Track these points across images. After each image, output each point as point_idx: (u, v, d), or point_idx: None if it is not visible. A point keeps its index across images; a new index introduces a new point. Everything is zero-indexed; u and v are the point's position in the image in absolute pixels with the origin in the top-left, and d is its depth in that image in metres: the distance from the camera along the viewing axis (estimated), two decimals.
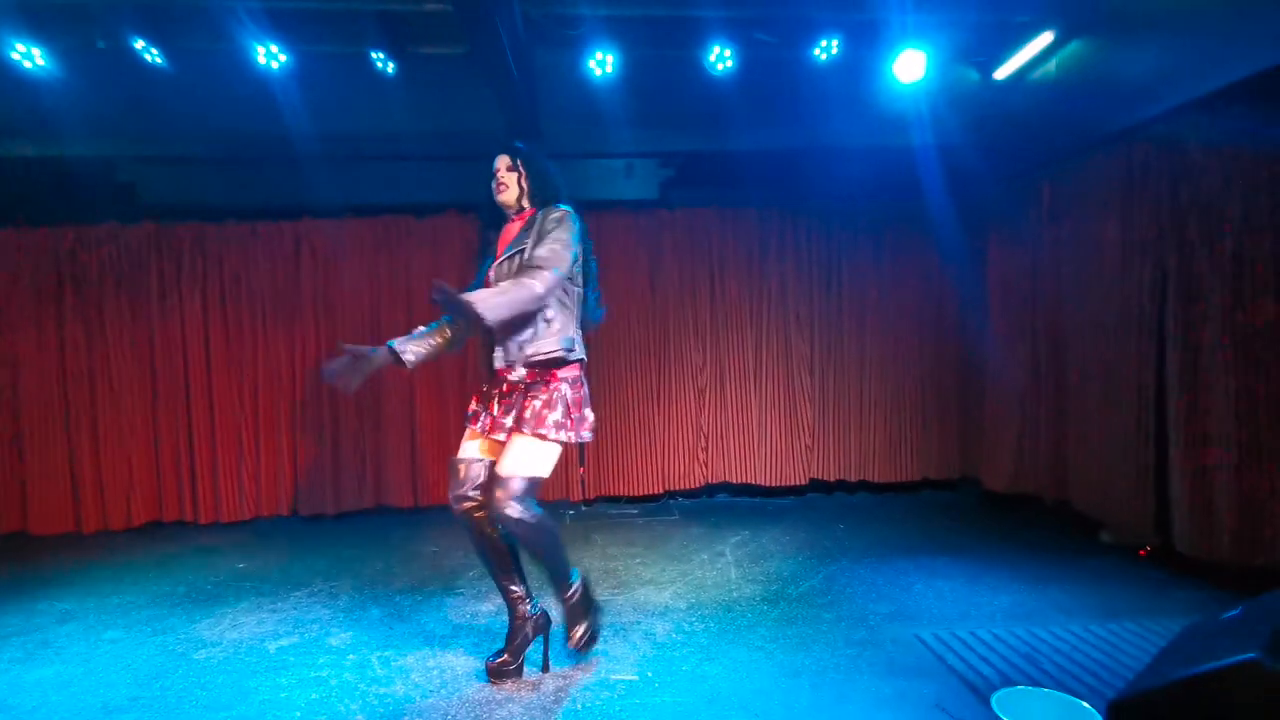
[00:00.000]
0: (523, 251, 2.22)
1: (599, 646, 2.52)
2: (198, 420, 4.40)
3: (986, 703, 2.11)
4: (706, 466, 4.75)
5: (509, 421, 2.25)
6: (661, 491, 4.73)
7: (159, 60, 3.43)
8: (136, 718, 2.17)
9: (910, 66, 3.50)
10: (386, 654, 2.55)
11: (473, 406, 2.39)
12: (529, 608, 2.35)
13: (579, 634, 2.38)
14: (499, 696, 2.22)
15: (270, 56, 3.39)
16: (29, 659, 2.60)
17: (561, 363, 2.26)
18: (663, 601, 2.99)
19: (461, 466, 2.30)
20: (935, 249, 4.73)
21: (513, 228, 2.38)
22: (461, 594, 3.15)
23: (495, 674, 2.31)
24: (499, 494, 2.15)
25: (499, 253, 2.33)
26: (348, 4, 3.32)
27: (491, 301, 2.05)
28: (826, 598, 3.02)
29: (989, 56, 3.92)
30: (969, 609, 2.86)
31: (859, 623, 2.75)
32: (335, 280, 4.48)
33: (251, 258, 4.42)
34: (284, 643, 2.67)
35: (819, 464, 4.80)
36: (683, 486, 4.73)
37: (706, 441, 4.74)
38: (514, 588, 2.32)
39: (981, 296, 4.56)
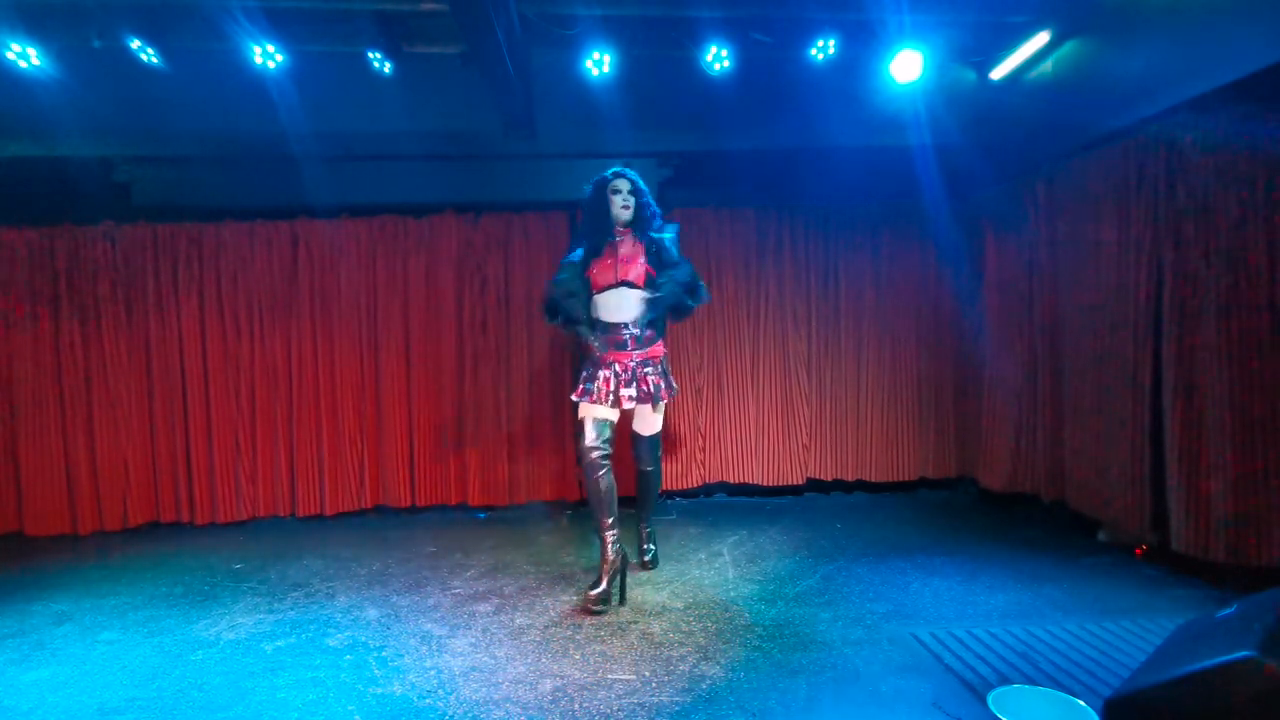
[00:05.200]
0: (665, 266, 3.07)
1: (598, 646, 2.56)
2: (194, 421, 4.39)
3: (983, 701, 2.11)
4: (704, 466, 4.75)
5: (630, 393, 3.00)
6: (659, 491, 4.72)
7: (155, 60, 3.42)
8: (133, 719, 2.17)
9: (907, 66, 3.50)
10: (384, 654, 2.55)
11: (598, 384, 3.00)
12: (617, 546, 2.98)
13: (653, 549, 3.46)
14: (496, 697, 2.22)
15: (267, 56, 3.39)
16: (25, 660, 2.59)
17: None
18: (660, 601, 3.00)
19: (597, 426, 2.99)
20: (932, 248, 4.74)
21: (625, 244, 3.09)
22: (458, 594, 3.15)
23: (597, 601, 2.84)
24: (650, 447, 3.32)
25: (622, 259, 3.05)
26: (344, 3, 3.31)
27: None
28: (824, 597, 3.02)
29: (986, 56, 3.93)
30: (966, 608, 2.87)
31: (856, 622, 2.75)
32: (332, 281, 4.47)
33: (248, 258, 4.41)
34: (281, 643, 2.67)
35: (816, 463, 4.80)
36: (680, 486, 4.74)
37: (704, 441, 4.74)
38: (614, 529, 2.98)
39: (978, 296, 4.57)
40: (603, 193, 3.08)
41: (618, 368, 3.03)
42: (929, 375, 4.81)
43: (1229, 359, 2.87)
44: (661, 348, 3.16)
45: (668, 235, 3.12)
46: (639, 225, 3.11)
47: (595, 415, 3.01)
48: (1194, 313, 3.00)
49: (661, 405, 3.21)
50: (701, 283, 3.17)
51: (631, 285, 3.04)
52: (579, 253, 3.12)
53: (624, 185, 3.07)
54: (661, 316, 3.14)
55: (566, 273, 3.08)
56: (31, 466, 4.28)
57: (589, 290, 3.08)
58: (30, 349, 4.26)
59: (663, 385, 3.11)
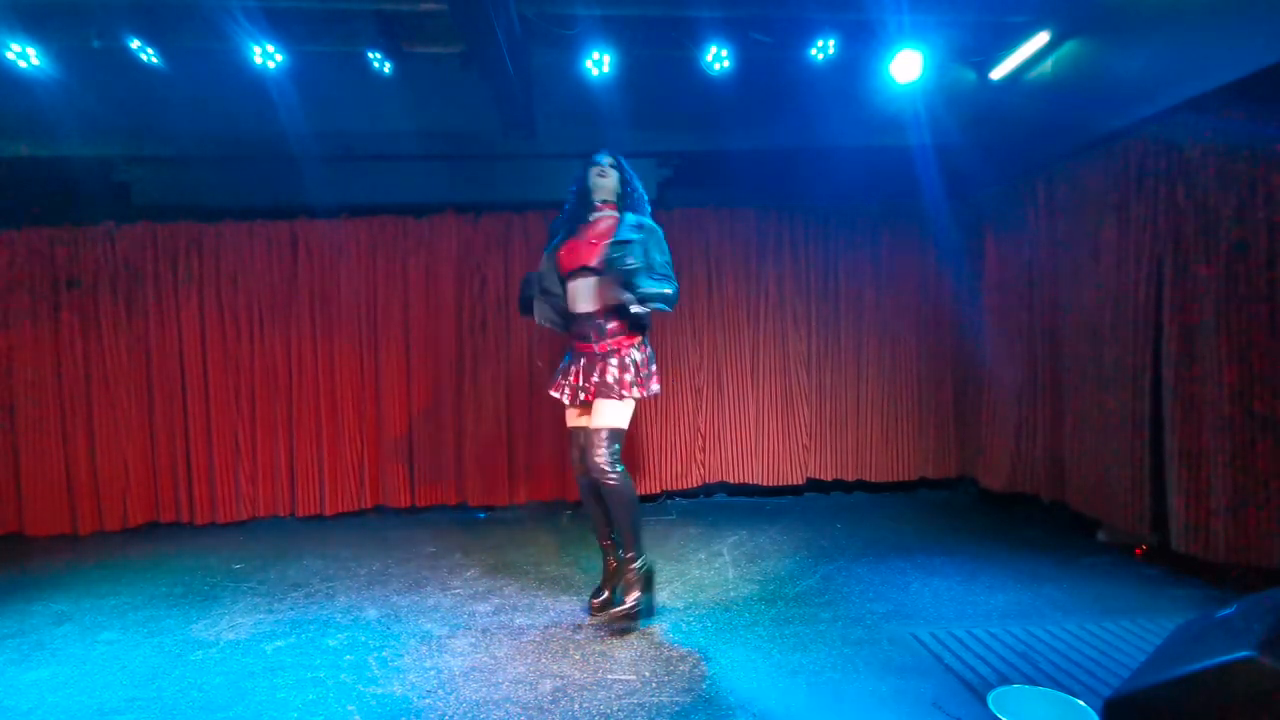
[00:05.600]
0: (629, 243, 2.74)
1: (598, 646, 2.55)
2: (194, 421, 4.39)
3: (983, 701, 2.11)
4: (704, 466, 4.75)
5: (588, 387, 2.79)
6: (659, 491, 4.73)
7: (155, 60, 3.42)
8: (133, 719, 2.17)
9: (907, 66, 3.50)
10: (383, 655, 2.55)
11: (569, 379, 2.86)
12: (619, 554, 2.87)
13: (629, 600, 2.73)
14: (496, 697, 2.22)
15: (266, 56, 3.38)
16: (25, 660, 2.59)
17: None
18: (660, 601, 2.99)
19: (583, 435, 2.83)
20: (932, 248, 4.75)
21: (603, 221, 2.86)
22: (458, 594, 3.14)
23: (601, 609, 2.82)
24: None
25: (589, 240, 2.81)
26: (344, 3, 3.31)
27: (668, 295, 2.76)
28: (824, 597, 3.02)
29: (985, 56, 3.92)
30: (966, 608, 2.87)
31: (856, 622, 2.75)
32: (332, 281, 4.47)
33: (248, 258, 4.41)
34: (280, 644, 2.67)
35: (816, 463, 4.80)
36: (680, 486, 4.73)
37: (704, 441, 4.74)
38: (611, 537, 2.90)
39: (978, 296, 4.57)
40: (586, 170, 2.90)
41: (583, 361, 2.83)
42: (929, 375, 4.81)
43: (1229, 359, 2.87)
44: (630, 339, 2.81)
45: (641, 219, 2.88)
46: (621, 202, 2.90)
47: (575, 424, 2.90)
48: (1194, 313, 3.00)
49: (625, 401, 2.73)
50: (655, 252, 2.79)
51: (596, 271, 2.78)
52: (557, 239, 2.94)
53: (605, 160, 2.88)
54: (632, 306, 2.77)
55: (545, 265, 2.90)
56: (31, 466, 4.28)
57: (560, 278, 2.86)
58: (30, 349, 4.26)
59: (628, 376, 2.73)
